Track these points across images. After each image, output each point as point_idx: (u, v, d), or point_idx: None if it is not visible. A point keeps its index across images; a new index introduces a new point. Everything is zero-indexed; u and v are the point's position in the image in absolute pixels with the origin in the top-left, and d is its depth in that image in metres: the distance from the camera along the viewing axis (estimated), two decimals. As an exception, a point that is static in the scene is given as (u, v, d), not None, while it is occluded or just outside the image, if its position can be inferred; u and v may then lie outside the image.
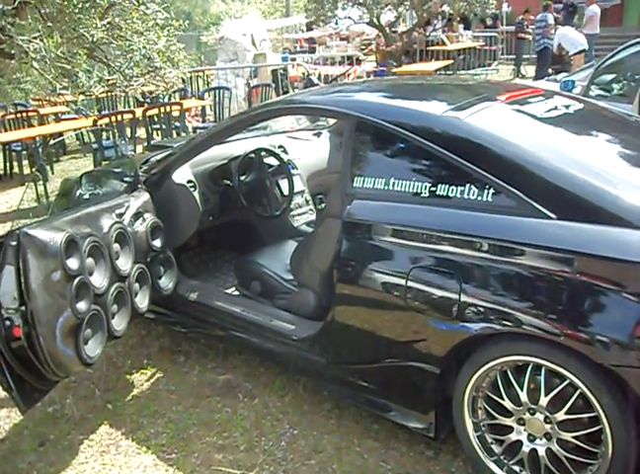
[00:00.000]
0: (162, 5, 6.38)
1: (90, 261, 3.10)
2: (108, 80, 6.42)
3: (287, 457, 3.11)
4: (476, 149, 2.75)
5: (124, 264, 3.36)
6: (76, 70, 5.76)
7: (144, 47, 6.14)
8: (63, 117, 10.89)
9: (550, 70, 15.62)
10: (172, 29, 6.51)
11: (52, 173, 9.31)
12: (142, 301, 3.52)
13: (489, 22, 20.49)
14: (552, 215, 2.48)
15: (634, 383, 2.29)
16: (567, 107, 3.37)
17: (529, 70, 17.80)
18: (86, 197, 4.17)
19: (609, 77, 7.17)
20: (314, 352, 3.26)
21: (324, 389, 3.46)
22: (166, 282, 3.76)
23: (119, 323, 3.30)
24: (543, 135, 3.00)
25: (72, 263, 2.95)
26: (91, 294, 3.04)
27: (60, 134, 9.18)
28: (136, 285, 3.47)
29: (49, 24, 5.61)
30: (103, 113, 10.09)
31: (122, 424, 3.46)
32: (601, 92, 6.98)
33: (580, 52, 14.82)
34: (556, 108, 3.29)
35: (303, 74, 14.12)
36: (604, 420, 2.38)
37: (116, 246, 3.32)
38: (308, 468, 3.03)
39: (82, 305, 2.98)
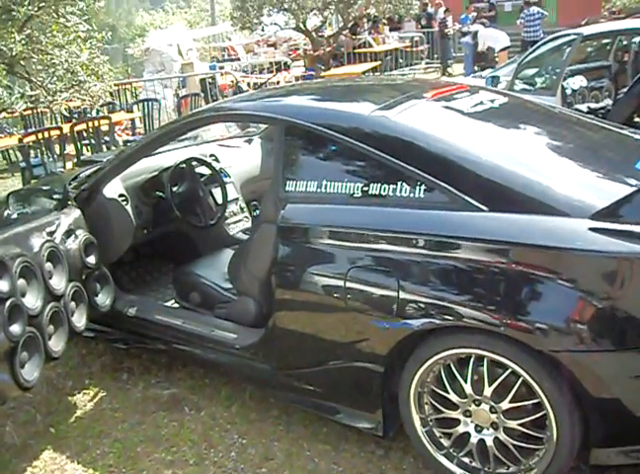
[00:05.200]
0: (83, 17, 6.24)
1: (22, 282, 3.00)
2: (30, 96, 6.25)
3: (238, 467, 3.08)
4: (405, 147, 2.78)
5: (58, 283, 3.27)
6: (-4, 86, 5.59)
7: (67, 61, 5.98)
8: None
9: (476, 67, 15.96)
10: (94, 41, 6.37)
11: (-21, 195, 9.05)
12: (79, 320, 3.44)
13: (423, 22, 20.49)
14: (484, 208, 2.51)
15: (573, 367, 2.35)
16: (492, 101, 3.43)
17: (456, 68, 18.12)
18: (14, 216, 4.06)
19: (532, 71, 7.38)
20: (258, 359, 3.23)
21: (270, 396, 3.44)
22: (103, 299, 3.68)
23: (56, 344, 3.21)
24: (471, 130, 3.05)
25: (2, 285, 2.85)
26: (25, 316, 2.95)
27: (-16, 154, 8.91)
28: (72, 304, 3.38)
29: (-35, 38, 5.44)
30: (29, 130, 9.84)
31: (67, 447, 3.36)
32: (525, 86, 7.18)
33: (504, 49, 15.20)
34: (482, 102, 3.34)
35: (232, 82, 14.07)
36: (547, 405, 2.43)
37: (48, 265, 3.22)
38: (260, 477, 3.01)
39: (16, 328, 2.88)
